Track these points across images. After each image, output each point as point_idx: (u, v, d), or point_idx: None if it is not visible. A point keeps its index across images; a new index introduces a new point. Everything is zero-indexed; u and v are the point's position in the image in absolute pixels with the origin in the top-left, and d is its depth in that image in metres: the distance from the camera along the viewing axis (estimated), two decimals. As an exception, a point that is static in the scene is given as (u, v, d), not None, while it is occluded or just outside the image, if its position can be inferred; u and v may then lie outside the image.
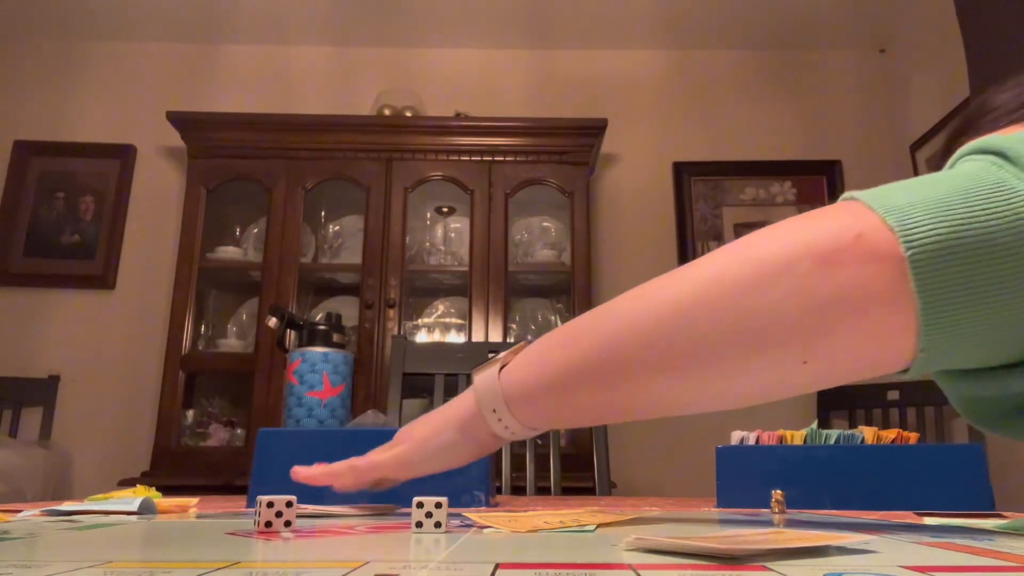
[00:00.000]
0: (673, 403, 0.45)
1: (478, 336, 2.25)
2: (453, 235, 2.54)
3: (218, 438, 2.30)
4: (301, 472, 0.60)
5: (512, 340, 2.35)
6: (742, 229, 2.67)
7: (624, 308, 0.46)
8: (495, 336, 2.25)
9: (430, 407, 2.18)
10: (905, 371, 0.39)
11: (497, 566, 0.29)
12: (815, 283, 0.38)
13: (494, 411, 0.52)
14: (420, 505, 0.44)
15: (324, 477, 0.60)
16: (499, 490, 1.28)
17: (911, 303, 0.36)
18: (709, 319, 0.40)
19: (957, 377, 0.43)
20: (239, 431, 2.34)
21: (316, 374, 1.10)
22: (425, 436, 0.58)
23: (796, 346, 0.39)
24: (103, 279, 2.61)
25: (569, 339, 0.49)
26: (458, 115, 2.52)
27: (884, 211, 0.37)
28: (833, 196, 2.71)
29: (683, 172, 2.75)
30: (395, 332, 2.25)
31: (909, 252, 0.36)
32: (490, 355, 0.57)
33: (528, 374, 0.51)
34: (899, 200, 0.37)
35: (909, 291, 0.36)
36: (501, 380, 0.52)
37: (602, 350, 0.45)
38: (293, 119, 2.47)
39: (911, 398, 2.25)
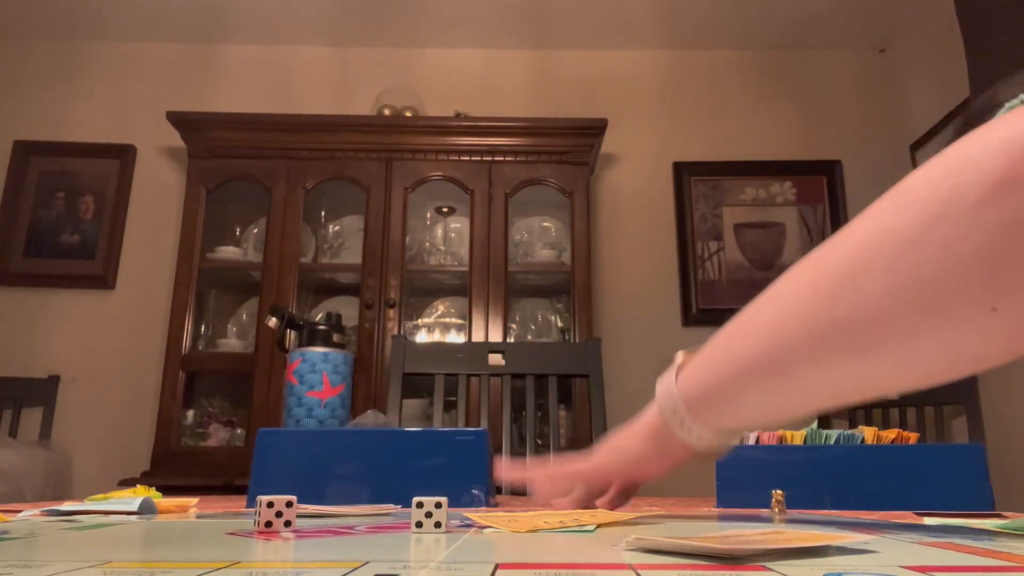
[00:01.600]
0: (853, 386, 0.41)
1: (478, 336, 2.25)
2: (453, 235, 2.54)
3: (218, 438, 2.30)
4: (505, 473, 0.63)
5: (512, 340, 2.35)
6: (742, 229, 2.67)
7: (782, 290, 0.42)
8: (495, 336, 2.25)
9: (430, 407, 2.19)
10: None
11: (497, 566, 0.29)
12: (987, 214, 0.32)
13: (676, 415, 0.49)
14: (420, 505, 0.44)
15: (525, 483, 0.62)
16: (499, 490, 1.28)
17: None
18: (873, 283, 0.36)
19: None
20: (239, 431, 2.34)
21: (316, 374, 1.10)
22: (618, 446, 0.57)
23: (979, 292, 0.33)
24: (103, 279, 2.61)
25: (735, 332, 0.46)
26: (458, 115, 2.52)
27: None
28: (833, 196, 2.71)
29: (683, 172, 2.75)
30: (395, 332, 2.25)
31: None
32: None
33: (701, 375, 0.48)
34: None
35: None
36: (678, 384, 0.49)
37: (764, 339, 0.42)
38: (293, 119, 2.47)
39: (911, 398, 2.25)
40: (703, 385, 0.48)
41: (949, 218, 0.33)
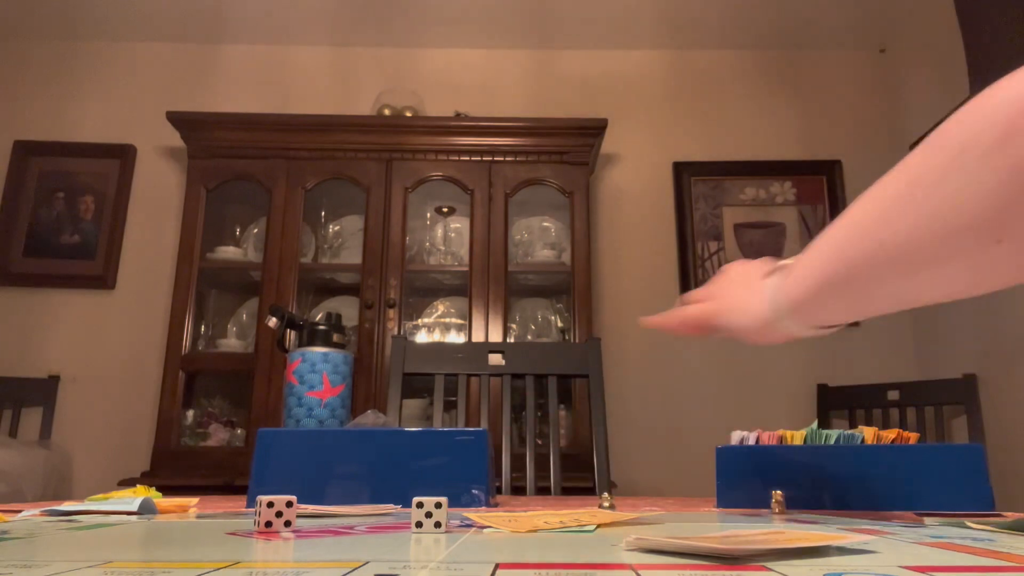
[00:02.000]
0: (911, 296, 0.48)
1: (478, 336, 2.25)
2: (453, 235, 2.54)
3: (218, 438, 2.30)
4: (653, 321, 0.75)
5: (512, 340, 2.35)
6: (742, 229, 2.67)
7: (850, 217, 0.50)
8: (495, 336, 2.25)
9: (430, 407, 2.19)
10: None
11: (497, 566, 0.29)
12: (993, 161, 0.37)
13: (779, 315, 0.59)
14: (420, 505, 0.44)
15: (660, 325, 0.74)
16: (499, 490, 1.29)
17: None
18: (911, 214, 0.43)
19: None
20: (239, 431, 2.34)
21: (316, 374, 1.10)
22: (736, 308, 0.66)
23: (986, 226, 0.39)
24: (103, 279, 2.61)
25: (823, 249, 0.54)
26: (458, 115, 2.52)
27: None
28: (833, 196, 2.71)
29: (683, 172, 2.75)
30: (395, 332, 2.25)
31: None
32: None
33: (796, 283, 0.57)
34: None
35: None
36: (784, 289, 0.58)
37: (836, 257, 0.51)
38: (293, 119, 2.47)
39: (911, 398, 2.25)
40: (798, 293, 0.57)
41: (963, 162, 0.39)
